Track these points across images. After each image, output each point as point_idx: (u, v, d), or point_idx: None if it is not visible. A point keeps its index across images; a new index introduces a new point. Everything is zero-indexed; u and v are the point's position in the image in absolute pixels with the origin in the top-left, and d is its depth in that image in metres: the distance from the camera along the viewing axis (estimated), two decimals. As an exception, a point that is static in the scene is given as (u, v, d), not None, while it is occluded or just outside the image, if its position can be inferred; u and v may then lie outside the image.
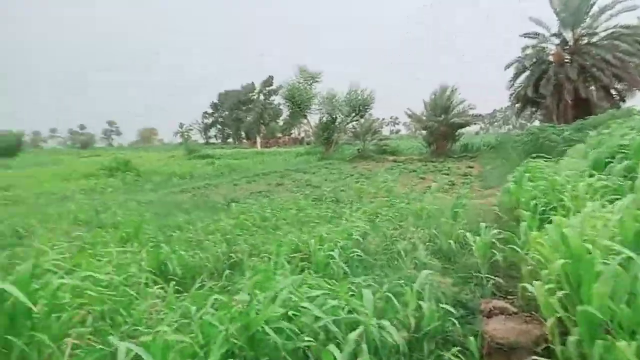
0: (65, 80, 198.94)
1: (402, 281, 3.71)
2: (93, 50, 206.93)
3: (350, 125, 33.17)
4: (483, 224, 5.35)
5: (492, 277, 4.44)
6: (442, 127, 27.75)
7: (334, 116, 32.53)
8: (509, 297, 4.12)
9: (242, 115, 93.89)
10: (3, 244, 6.84)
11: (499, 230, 5.46)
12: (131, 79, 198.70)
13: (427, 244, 5.50)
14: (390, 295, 3.21)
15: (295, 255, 5.22)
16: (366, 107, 31.72)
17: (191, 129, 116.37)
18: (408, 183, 13.99)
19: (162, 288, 4.34)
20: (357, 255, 5.23)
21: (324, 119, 33.06)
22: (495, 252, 4.71)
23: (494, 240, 4.85)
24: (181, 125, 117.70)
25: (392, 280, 3.78)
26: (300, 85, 33.12)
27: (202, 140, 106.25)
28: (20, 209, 10.82)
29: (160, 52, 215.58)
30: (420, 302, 3.20)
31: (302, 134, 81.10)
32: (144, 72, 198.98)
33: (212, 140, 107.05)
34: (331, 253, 4.86)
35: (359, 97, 31.36)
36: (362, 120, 32.59)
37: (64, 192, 13.74)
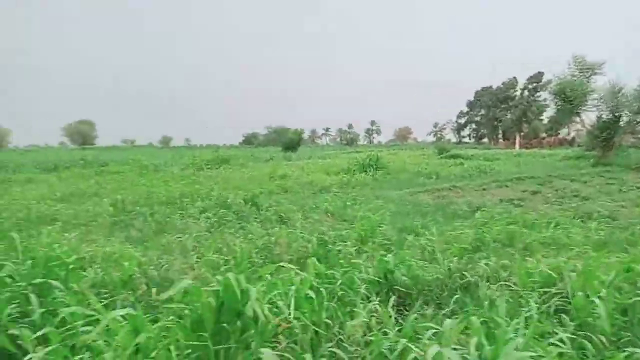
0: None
1: None
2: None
3: (640, 126, 26.28)
4: None
5: None
6: None
7: (617, 114, 26.40)
8: None
9: (500, 114, 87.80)
10: (268, 227, 7.90)
11: None
12: (390, 78, 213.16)
13: None
14: None
15: (547, 290, 4.11)
16: (668, 104, 24.40)
17: (444, 128, 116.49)
18: None
19: (385, 300, 4.06)
20: (644, 307, 3.72)
21: (604, 116, 27.21)
22: None
23: None
24: (435, 125, 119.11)
25: None
26: (575, 78, 28.07)
27: (454, 140, 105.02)
28: (287, 196, 12.59)
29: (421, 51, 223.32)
30: None
31: (572, 134, 69.84)
32: (398, 71, 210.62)
33: (466, 140, 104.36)
34: (595, 300, 3.55)
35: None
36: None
37: (323, 185, 15.41)
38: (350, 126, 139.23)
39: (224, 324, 2.54)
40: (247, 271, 5.15)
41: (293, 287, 3.35)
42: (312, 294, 3.24)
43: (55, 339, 2.57)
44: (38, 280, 3.60)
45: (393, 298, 4.03)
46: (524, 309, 3.75)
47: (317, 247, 5.94)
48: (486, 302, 3.90)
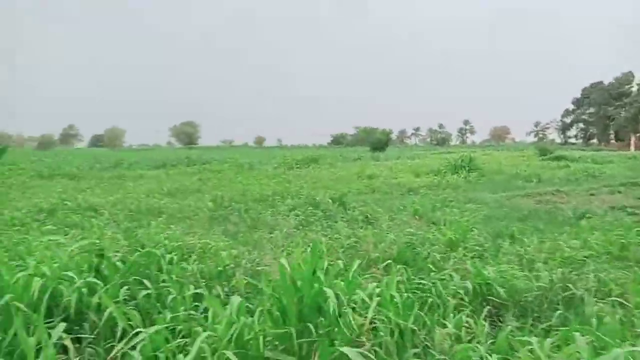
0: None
1: None
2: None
3: None
4: None
5: None
6: None
7: None
8: None
9: (613, 112, 78.79)
10: (354, 227, 7.91)
11: None
12: (483, 78, 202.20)
13: None
14: None
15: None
16: None
17: (547, 128, 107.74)
18: None
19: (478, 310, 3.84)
20: None
21: None
22: None
23: None
24: (537, 124, 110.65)
25: None
26: None
27: (559, 141, 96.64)
28: (375, 197, 12.51)
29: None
30: None
31: None
32: (496, 65, 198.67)
33: (572, 141, 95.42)
34: None
35: None
36: None
37: (412, 186, 15.04)
38: (441, 126, 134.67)
39: (306, 319, 2.60)
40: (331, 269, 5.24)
41: (377, 289, 3.33)
42: (397, 297, 3.18)
43: (160, 321, 2.82)
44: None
45: (487, 308, 3.82)
46: (638, 330, 3.34)
47: (403, 250, 5.81)
48: (593, 319, 3.53)
